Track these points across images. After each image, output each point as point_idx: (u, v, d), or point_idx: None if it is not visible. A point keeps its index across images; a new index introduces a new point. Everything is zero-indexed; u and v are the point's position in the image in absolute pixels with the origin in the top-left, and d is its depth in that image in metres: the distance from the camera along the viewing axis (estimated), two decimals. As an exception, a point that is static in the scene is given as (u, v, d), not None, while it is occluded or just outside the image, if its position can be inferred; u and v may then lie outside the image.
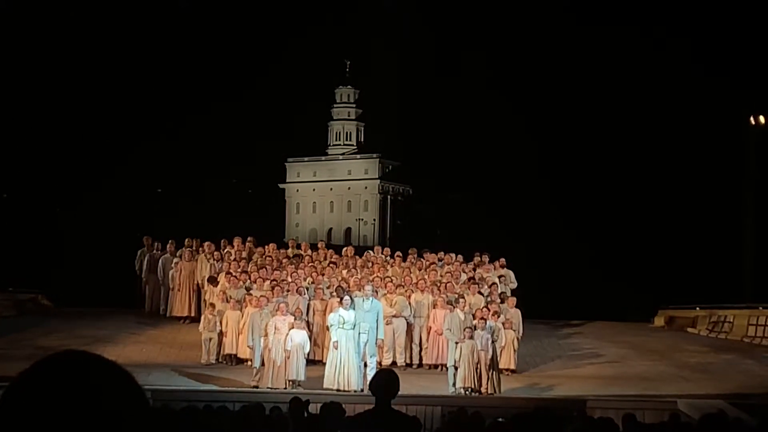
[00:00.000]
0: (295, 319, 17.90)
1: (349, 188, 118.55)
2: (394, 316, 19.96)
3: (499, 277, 22.24)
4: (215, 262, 22.77)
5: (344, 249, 24.93)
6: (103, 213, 51.01)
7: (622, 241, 48.04)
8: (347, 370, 17.24)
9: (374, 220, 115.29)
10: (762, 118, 30.51)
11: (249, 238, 24.37)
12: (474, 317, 18.27)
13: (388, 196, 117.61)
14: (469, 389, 17.33)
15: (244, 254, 23.17)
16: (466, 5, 78.60)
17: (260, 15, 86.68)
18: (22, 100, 45.11)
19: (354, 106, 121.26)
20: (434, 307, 19.99)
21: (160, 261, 23.76)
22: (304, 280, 20.89)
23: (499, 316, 19.04)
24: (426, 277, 21.48)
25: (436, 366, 19.81)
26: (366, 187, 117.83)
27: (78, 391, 1.62)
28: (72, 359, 1.67)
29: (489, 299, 20.22)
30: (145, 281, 24.28)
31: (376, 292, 19.24)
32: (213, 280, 21.58)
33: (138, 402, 1.68)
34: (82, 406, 1.61)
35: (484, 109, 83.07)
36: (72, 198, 50.71)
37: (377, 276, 20.97)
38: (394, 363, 19.64)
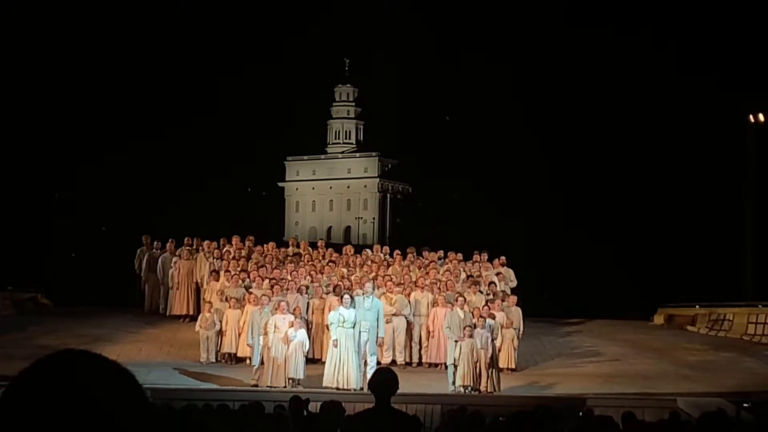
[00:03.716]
0: (294, 317, 17.91)
1: (348, 187, 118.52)
2: (393, 315, 19.96)
3: (497, 274, 22.24)
4: (214, 260, 22.76)
5: (344, 247, 24.94)
6: (102, 212, 51.02)
7: (622, 238, 48.02)
8: (347, 368, 17.24)
9: (374, 218, 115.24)
10: (761, 117, 30.50)
11: (248, 237, 24.37)
12: (473, 315, 18.28)
13: (388, 195, 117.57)
14: (469, 387, 17.34)
15: (243, 253, 23.16)
16: (466, 4, 78.62)
17: (260, 13, 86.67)
18: (22, 106, 45.18)
19: (353, 104, 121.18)
20: (434, 306, 20.00)
21: (160, 260, 23.76)
22: (304, 278, 20.90)
23: (494, 317, 18.93)
24: (426, 275, 21.48)
25: (435, 364, 19.82)
26: (365, 186, 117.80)
27: (79, 389, 1.61)
28: (72, 358, 1.67)
29: (489, 297, 20.25)
30: (145, 280, 24.27)
31: (376, 290, 19.27)
32: (216, 274, 21.56)
33: (139, 401, 1.68)
34: (83, 405, 1.60)
35: (485, 106, 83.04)
36: (71, 198, 50.72)
37: (377, 274, 20.99)
38: (393, 361, 19.64)
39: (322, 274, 21.31)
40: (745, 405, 13.79)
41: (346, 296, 17.83)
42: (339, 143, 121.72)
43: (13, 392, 1.63)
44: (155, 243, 24.35)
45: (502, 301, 20.16)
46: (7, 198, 39.39)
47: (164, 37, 66.28)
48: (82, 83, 56.81)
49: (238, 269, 21.40)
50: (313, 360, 18.81)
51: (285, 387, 17.01)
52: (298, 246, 24.97)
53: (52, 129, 52.23)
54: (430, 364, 20.06)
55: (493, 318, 18.83)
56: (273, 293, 19.10)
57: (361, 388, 16.55)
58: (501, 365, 18.50)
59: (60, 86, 52.98)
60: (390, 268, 22.38)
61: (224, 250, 23.45)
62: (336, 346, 17.37)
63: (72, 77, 54.83)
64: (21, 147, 45.00)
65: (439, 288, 20.48)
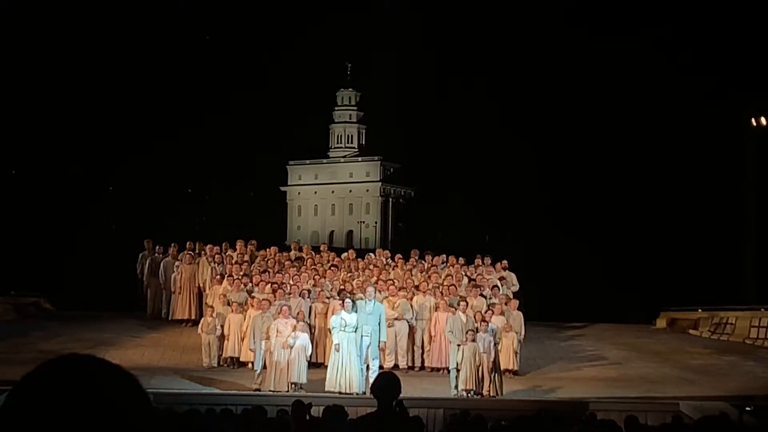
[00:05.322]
0: (297, 321, 17.91)
1: (350, 191, 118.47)
2: (395, 319, 19.96)
3: (500, 279, 22.23)
4: (216, 265, 22.76)
5: (345, 252, 24.94)
6: (103, 216, 51.06)
7: (624, 243, 48.01)
8: (349, 372, 17.24)
9: (376, 222, 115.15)
10: (763, 120, 30.50)
11: (251, 241, 24.37)
12: (475, 320, 18.27)
13: (390, 199, 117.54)
14: (471, 392, 17.33)
15: (245, 257, 23.17)
16: (467, 8, 78.68)
17: (261, 17, 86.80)
18: (24, 103, 45.28)
19: (355, 108, 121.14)
20: (436, 310, 20.00)
21: (162, 264, 23.74)
22: (306, 282, 20.89)
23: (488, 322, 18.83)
24: (428, 279, 21.48)
25: (438, 369, 19.80)
26: (367, 190, 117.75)
27: (83, 393, 1.62)
28: (77, 362, 1.68)
29: (491, 301, 20.25)
30: (147, 284, 24.25)
31: (378, 294, 19.27)
32: (221, 277, 21.52)
33: (142, 405, 1.69)
34: (88, 409, 1.61)
35: (486, 111, 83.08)
36: (72, 200, 50.76)
37: (379, 279, 20.98)
38: (396, 366, 19.63)
39: (325, 278, 21.31)
40: (747, 409, 13.80)
41: (348, 300, 17.83)
42: (341, 147, 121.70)
43: (18, 395, 1.64)
44: (157, 247, 24.32)
45: (505, 304, 20.16)
46: (8, 201, 39.44)
47: (167, 41, 66.40)
48: (86, 94, 56.96)
49: (241, 273, 21.40)
50: (316, 364, 18.81)
51: (287, 391, 17.00)
52: (300, 250, 24.95)
53: (51, 135, 52.29)
54: (432, 369, 20.05)
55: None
56: (275, 297, 19.10)
57: (364, 392, 16.56)
58: (503, 367, 18.48)
59: (65, 98, 53.13)
60: (392, 272, 22.38)
61: (226, 254, 23.44)
62: (338, 350, 17.37)
63: (76, 85, 54.93)
64: (21, 151, 45.06)
65: (441, 292, 20.48)
